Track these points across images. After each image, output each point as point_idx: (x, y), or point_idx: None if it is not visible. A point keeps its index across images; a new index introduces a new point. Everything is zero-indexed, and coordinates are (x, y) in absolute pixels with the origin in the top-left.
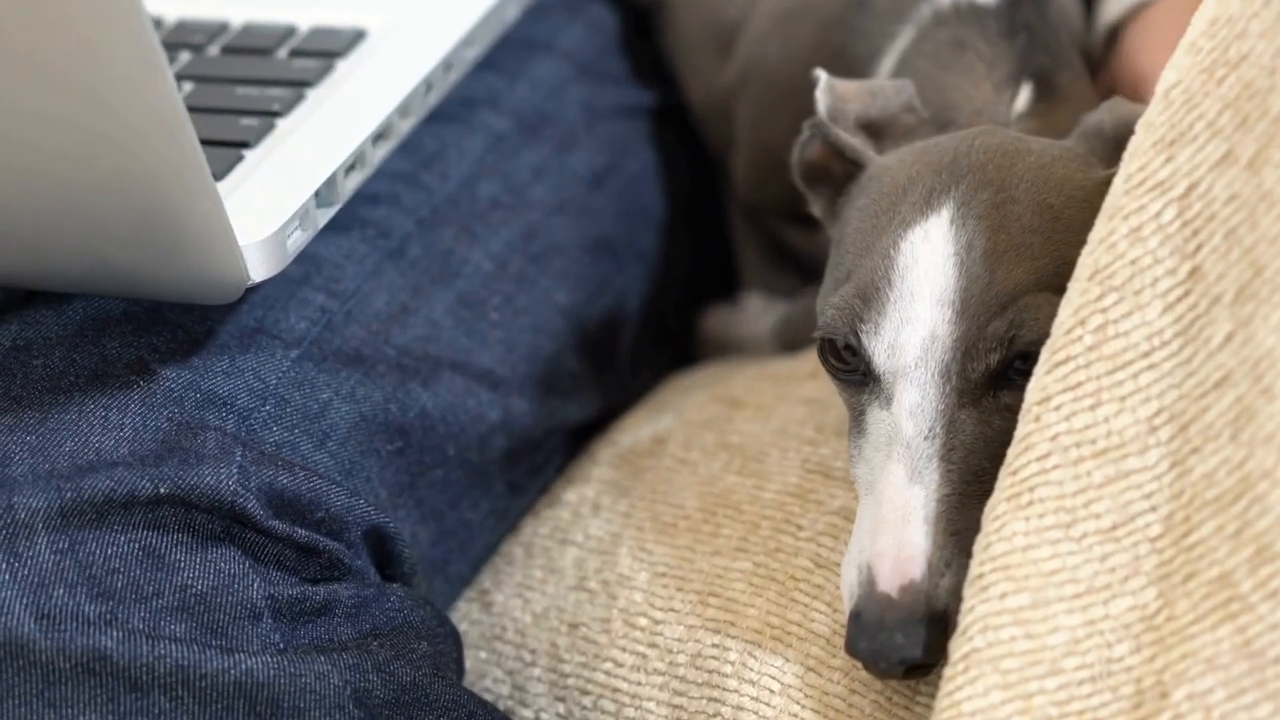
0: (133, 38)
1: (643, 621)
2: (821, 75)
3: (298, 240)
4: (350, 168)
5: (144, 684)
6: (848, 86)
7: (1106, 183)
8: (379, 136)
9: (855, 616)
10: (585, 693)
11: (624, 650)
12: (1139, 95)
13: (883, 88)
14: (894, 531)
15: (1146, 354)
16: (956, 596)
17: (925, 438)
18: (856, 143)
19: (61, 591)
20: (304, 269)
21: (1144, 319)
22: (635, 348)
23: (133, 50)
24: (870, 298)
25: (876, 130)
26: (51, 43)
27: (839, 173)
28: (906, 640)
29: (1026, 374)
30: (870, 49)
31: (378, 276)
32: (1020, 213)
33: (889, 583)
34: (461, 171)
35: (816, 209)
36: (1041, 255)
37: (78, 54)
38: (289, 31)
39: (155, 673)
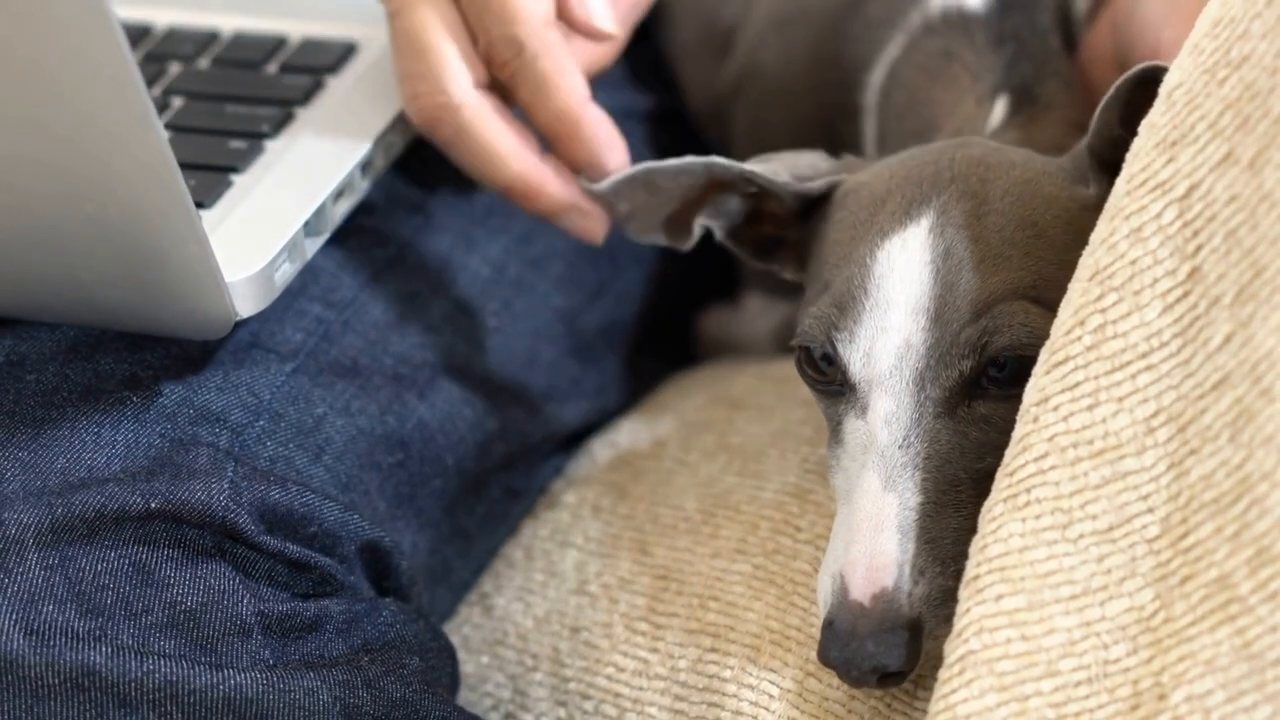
0: (121, 88)
1: (644, 626)
2: (731, 163)
3: (286, 273)
4: (339, 194)
5: (133, 700)
6: (754, 160)
7: (1091, 207)
8: (368, 161)
9: (828, 625)
10: (587, 698)
11: (625, 655)
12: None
13: (801, 154)
14: (867, 540)
15: (1145, 355)
16: (929, 605)
17: (900, 446)
18: (824, 179)
19: (51, 607)
20: (300, 279)
21: (1143, 320)
22: (634, 350)
23: (121, 102)
24: (846, 306)
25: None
26: (37, 91)
27: (793, 234)
28: (878, 649)
29: (1002, 384)
30: (862, 56)
31: (375, 285)
32: (1002, 225)
33: (861, 591)
34: (457, 177)
35: (787, 273)
36: (1020, 268)
37: (64, 101)
38: (279, 43)
39: (144, 689)
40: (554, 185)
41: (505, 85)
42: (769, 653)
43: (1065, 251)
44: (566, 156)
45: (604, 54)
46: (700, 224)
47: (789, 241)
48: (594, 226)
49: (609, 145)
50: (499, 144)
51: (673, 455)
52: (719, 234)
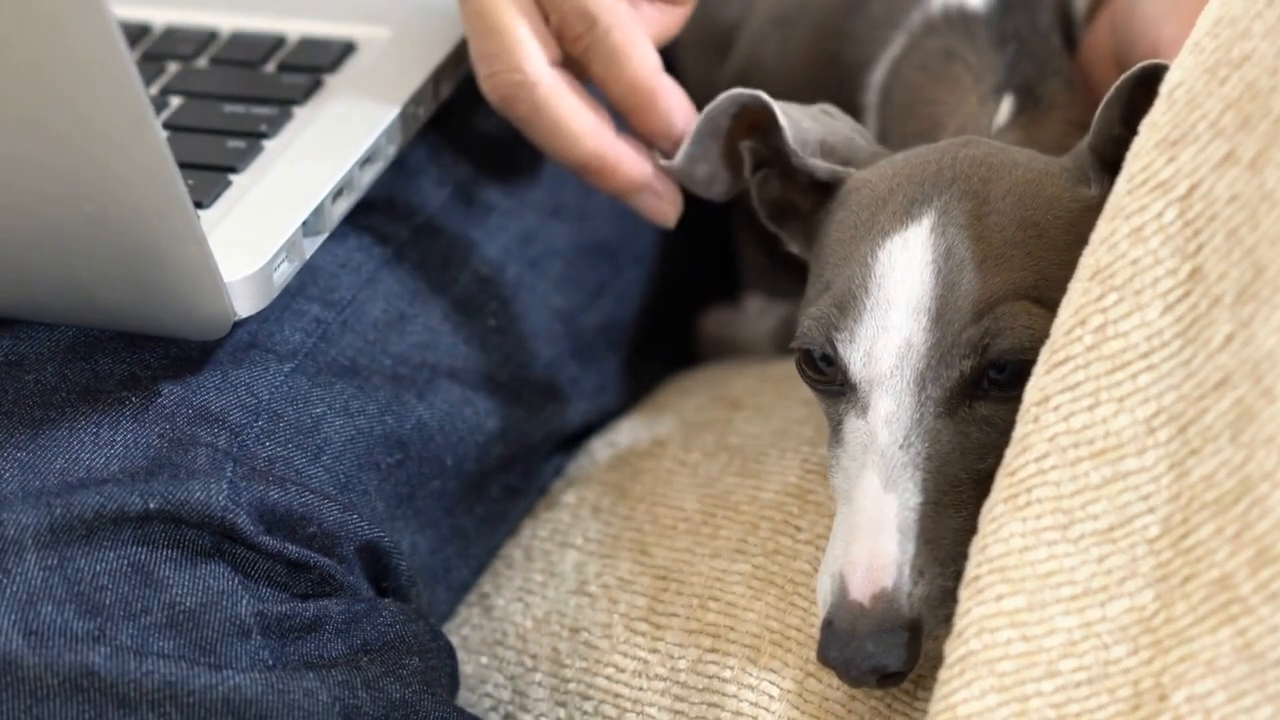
0: (119, 89)
1: (644, 626)
2: (772, 102)
3: (284, 273)
4: (338, 193)
5: (132, 700)
6: (801, 110)
7: (1093, 207)
8: (367, 159)
9: (827, 625)
10: (586, 698)
11: (625, 656)
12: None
13: (821, 111)
14: (867, 540)
15: (1146, 354)
16: (929, 605)
17: (900, 446)
18: (830, 165)
19: (50, 608)
20: (299, 279)
21: (1144, 319)
22: (634, 350)
23: (120, 102)
24: (847, 306)
25: (839, 158)
26: (35, 90)
27: (806, 206)
28: (877, 649)
29: (1003, 385)
30: (863, 56)
31: (374, 284)
32: (1004, 224)
33: (861, 591)
34: (457, 177)
35: (793, 245)
36: (1021, 268)
37: (62, 101)
38: (278, 43)
39: (143, 689)
40: (629, 163)
41: (578, 61)
42: (769, 653)
43: (1067, 252)
44: (642, 127)
45: (671, 23)
46: (744, 146)
47: (801, 212)
48: (667, 208)
49: (684, 114)
50: (575, 121)
51: (673, 455)
52: (748, 167)
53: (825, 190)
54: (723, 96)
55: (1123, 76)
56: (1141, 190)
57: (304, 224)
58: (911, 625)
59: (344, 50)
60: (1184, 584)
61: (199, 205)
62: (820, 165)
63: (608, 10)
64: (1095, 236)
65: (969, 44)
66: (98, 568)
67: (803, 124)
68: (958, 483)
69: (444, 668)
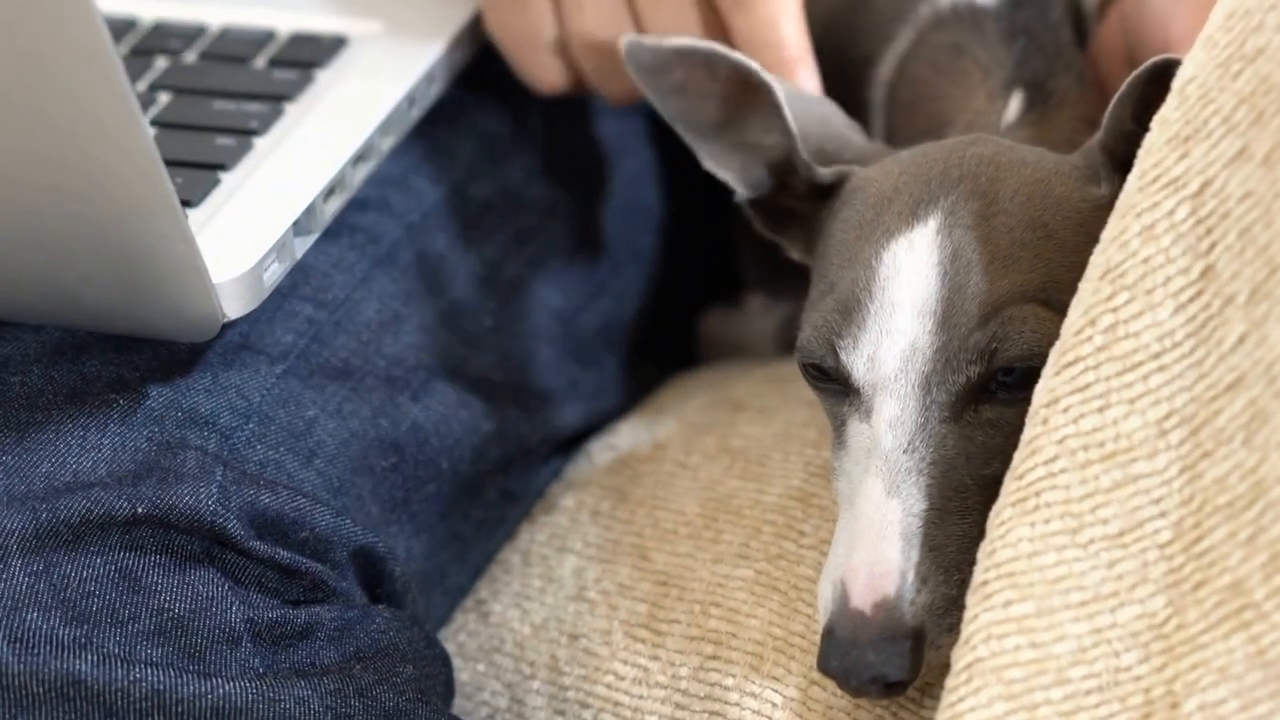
0: (105, 83)
1: (644, 633)
2: (776, 85)
3: (275, 273)
4: (330, 192)
5: (119, 709)
6: (808, 104)
7: (1103, 206)
8: (360, 157)
9: (828, 633)
10: (586, 706)
11: (625, 663)
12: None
13: (845, 126)
14: (869, 547)
15: (1157, 355)
16: (932, 614)
17: (904, 451)
18: (833, 169)
19: (35, 615)
20: (291, 279)
21: (1155, 319)
22: (633, 351)
23: (105, 97)
24: (850, 310)
25: (828, 157)
26: (21, 87)
27: (806, 212)
28: (878, 658)
29: (1010, 388)
30: (869, 51)
31: (368, 284)
32: (1011, 225)
33: (862, 599)
34: (453, 175)
35: (793, 252)
36: (1029, 269)
37: (49, 98)
38: (268, 37)
39: (130, 697)
40: None
41: None
42: (772, 660)
43: (1076, 253)
44: None
45: None
46: (731, 172)
47: (801, 216)
48: None
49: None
50: None
51: (673, 458)
52: (738, 194)
53: (825, 193)
54: (728, 51)
55: (1134, 72)
56: (1153, 187)
57: (295, 223)
58: (914, 634)
59: (336, 45)
60: (1196, 590)
61: (187, 204)
62: (824, 172)
63: None
64: (1106, 235)
65: (978, 39)
66: (84, 574)
67: (807, 127)
68: (962, 488)
69: (439, 675)
